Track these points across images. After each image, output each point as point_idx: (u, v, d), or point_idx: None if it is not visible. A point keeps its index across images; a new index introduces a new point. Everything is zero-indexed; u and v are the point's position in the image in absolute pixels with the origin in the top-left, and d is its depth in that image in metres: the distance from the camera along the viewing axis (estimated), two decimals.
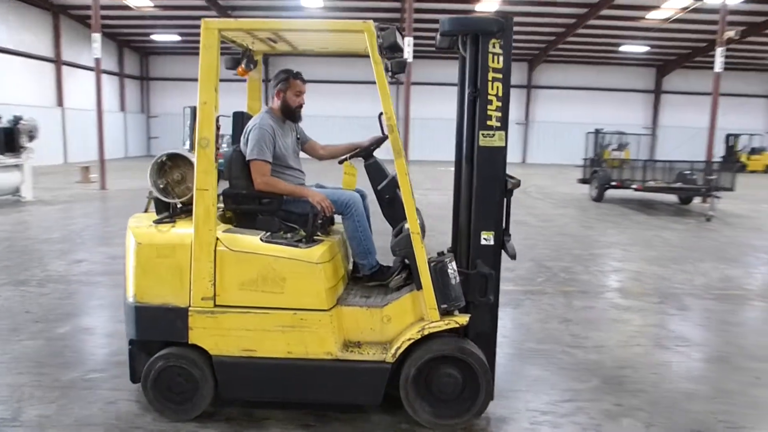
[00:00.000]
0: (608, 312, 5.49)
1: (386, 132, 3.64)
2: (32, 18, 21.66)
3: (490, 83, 3.10)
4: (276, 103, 3.65)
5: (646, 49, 26.80)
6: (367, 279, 3.60)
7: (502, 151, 3.17)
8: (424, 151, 27.45)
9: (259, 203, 3.49)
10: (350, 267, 3.80)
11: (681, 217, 12.33)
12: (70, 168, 19.33)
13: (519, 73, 29.43)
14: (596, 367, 4.13)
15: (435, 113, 27.37)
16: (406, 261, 3.37)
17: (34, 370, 3.81)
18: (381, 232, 3.81)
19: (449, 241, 3.67)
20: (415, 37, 15.54)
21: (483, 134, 3.15)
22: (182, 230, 3.20)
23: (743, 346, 4.69)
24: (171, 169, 3.43)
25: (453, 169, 3.56)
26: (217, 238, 3.09)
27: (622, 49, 26.97)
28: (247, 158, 3.45)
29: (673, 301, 5.91)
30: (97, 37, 14.39)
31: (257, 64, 3.77)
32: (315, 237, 3.30)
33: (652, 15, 21.21)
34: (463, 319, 3.17)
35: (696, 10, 20.16)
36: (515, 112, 27.14)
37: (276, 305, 3.09)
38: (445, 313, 3.14)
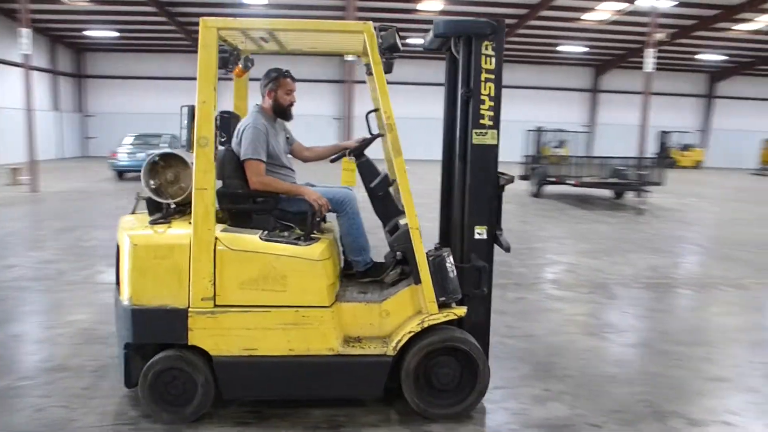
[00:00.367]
0: (541, 303, 5.69)
1: (374, 131, 3.79)
2: None
3: (483, 83, 3.25)
4: (267, 102, 3.66)
5: (584, 49, 27.70)
6: (360, 275, 3.66)
7: (494, 148, 3.33)
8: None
9: (253, 202, 3.49)
10: (341, 264, 3.85)
11: (615, 211, 12.83)
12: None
13: None
14: (527, 355, 4.29)
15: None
16: (398, 256, 3.47)
17: None
18: (368, 229, 3.84)
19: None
20: None
21: (476, 133, 3.29)
22: (180, 230, 3.16)
23: (666, 331, 4.96)
24: (163, 169, 3.39)
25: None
26: (216, 238, 3.08)
27: (561, 49, 27.77)
28: (241, 158, 3.44)
29: (603, 290, 6.18)
30: (25, 32, 13.79)
31: (254, 63, 3.75)
32: (312, 235, 3.34)
33: (588, 16, 21.93)
34: (461, 310, 3.31)
35: (630, 13, 20.97)
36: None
37: (277, 303, 3.11)
38: (443, 306, 3.25)
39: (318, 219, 3.45)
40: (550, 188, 15.12)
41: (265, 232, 3.27)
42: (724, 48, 26.77)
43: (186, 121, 3.35)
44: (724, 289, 6.42)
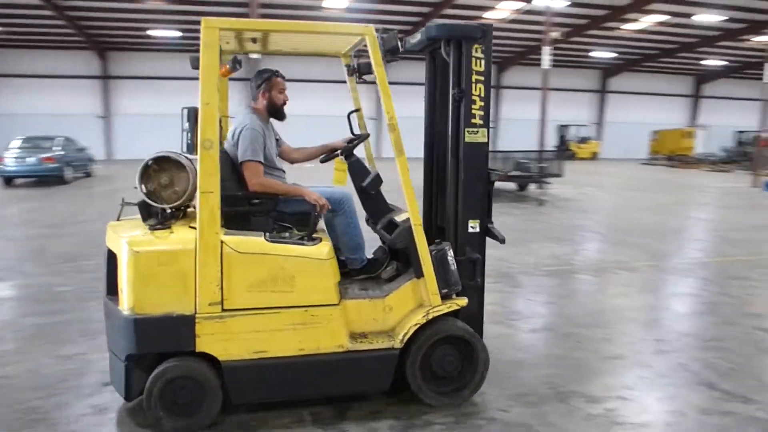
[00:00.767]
0: None
1: (359, 131, 3.90)
2: None
3: (474, 84, 3.43)
4: (261, 102, 3.59)
5: None
6: (355, 273, 3.68)
7: (484, 146, 3.53)
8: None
9: (249, 204, 3.40)
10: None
11: (519, 203, 13.37)
12: None
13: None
14: None
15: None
16: (388, 251, 3.65)
17: None
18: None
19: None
20: None
21: (468, 131, 3.48)
22: (183, 235, 3.05)
23: (568, 315, 5.21)
24: (157, 173, 3.20)
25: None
26: (222, 241, 3.00)
27: None
28: (240, 160, 3.38)
29: (508, 279, 6.41)
30: None
31: (242, 64, 3.61)
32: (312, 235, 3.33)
33: (489, 15, 22.68)
34: (462, 301, 3.43)
35: (527, 12, 21.90)
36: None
37: (286, 304, 3.10)
38: (444, 298, 3.35)
39: (318, 219, 3.47)
40: None
41: (267, 234, 3.23)
42: (614, 46, 28.63)
43: (187, 123, 3.27)
44: (619, 273, 6.84)
